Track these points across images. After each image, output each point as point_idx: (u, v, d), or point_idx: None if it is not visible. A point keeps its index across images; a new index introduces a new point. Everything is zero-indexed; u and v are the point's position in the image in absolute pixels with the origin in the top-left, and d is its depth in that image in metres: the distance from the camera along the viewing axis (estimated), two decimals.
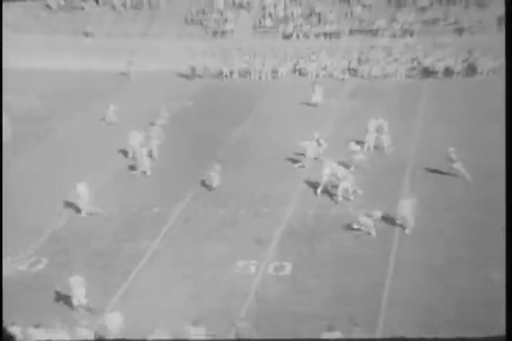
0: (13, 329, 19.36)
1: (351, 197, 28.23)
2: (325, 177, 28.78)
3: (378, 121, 33.56)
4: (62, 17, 52.25)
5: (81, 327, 19.56)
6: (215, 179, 29.55)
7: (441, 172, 29.78)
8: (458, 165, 29.33)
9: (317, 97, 39.33)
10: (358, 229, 25.69)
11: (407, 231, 25.76)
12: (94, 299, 22.03)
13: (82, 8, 52.57)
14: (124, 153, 33.30)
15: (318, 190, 28.83)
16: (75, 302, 21.84)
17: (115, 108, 37.69)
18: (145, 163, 31.39)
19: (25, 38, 49.89)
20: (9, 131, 35.27)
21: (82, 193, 27.85)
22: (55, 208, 28.19)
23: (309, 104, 39.24)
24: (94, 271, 23.83)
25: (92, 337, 19.50)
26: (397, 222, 26.11)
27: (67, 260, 24.66)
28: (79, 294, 21.78)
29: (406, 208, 26.00)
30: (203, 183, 29.85)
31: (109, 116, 37.62)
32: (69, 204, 28.42)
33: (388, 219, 26.05)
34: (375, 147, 32.75)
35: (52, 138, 35.80)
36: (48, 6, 52.80)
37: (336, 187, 28.47)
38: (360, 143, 32.03)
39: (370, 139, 32.83)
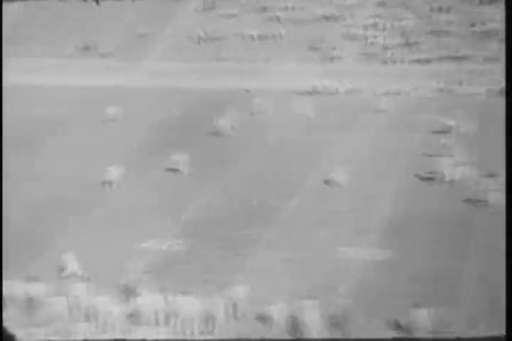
0: (159, 297, 19.61)
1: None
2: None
3: None
4: (202, 46, 52.89)
5: (214, 297, 19.63)
6: (340, 178, 29.37)
7: None
8: None
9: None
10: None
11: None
12: (222, 274, 22.22)
13: (219, 38, 53.13)
14: None
15: None
16: (66, 273, 21.96)
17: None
18: None
19: (174, 65, 50.73)
20: None
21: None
22: (187, 198, 28.47)
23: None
24: (222, 251, 24.03)
25: (222, 306, 19.54)
26: None
27: (201, 242, 24.90)
28: (73, 267, 21.97)
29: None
30: (326, 182, 29.71)
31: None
32: (199, 195, 28.69)
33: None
34: None
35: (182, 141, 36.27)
36: (191, 38, 53.54)
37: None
38: None
39: None
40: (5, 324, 18.70)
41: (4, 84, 46.89)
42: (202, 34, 53.40)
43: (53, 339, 18.82)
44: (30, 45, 53.26)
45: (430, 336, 18.61)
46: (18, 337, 18.78)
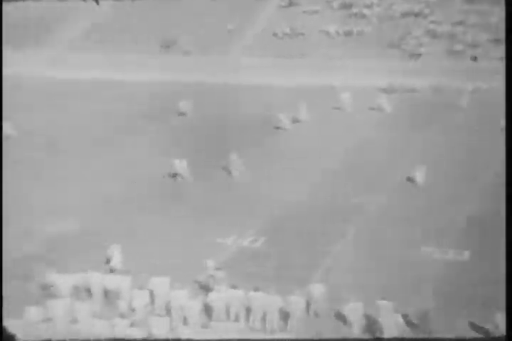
0: (237, 293, 19.69)
1: None
2: None
3: None
4: (286, 42, 52.96)
5: (292, 294, 19.60)
6: (423, 177, 29.07)
7: None
8: None
9: None
10: None
11: None
12: (300, 271, 22.20)
13: (303, 34, 53.04)
14: None
15: None
16: (112, 264, 22.25)
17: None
18: None
19: (259, 60, 51.01)
20: None
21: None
22: (266, 197, 28.56)
23: None
24: (301, 248, 24.00)
25: (304, 303, 19.47)
26: None
27: (281, 239, 24.92)
28: (116, 258, 22.25)
29: None
30: (409, 180, 29.40)
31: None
32: (275, 193, 28.72)
33: None
34: None
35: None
36: (275, 35, 53.62)
37: None
38: None
39: None
40: (79, 314, 19.14)
41: (88, 79, 48.44)
42: (286, 30, 53.45)
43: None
44: (117, 42, 54.45)
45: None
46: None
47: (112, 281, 20.72)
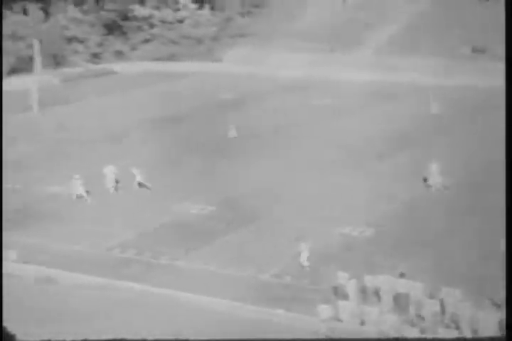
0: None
1: None
2: None
3: None
4: None
5: None
6: None
7: None
8: None
9: None
10: None
11: None
12: None
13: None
14: None
15: None
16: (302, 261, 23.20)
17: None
18: None
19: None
20: None
21: None
22: None
23: None
24: None
25: None
26: None
27: None
28: (304, 255, 23.25)
29: None
30: None
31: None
32: None
33: None
34: None
35: None
36: None
37: None
38: None
39: None
40: (368, 316, 19.14)
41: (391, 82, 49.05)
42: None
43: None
44: (423, 46, 54.54)
45: None
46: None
47: (403, 286, 20.60)
